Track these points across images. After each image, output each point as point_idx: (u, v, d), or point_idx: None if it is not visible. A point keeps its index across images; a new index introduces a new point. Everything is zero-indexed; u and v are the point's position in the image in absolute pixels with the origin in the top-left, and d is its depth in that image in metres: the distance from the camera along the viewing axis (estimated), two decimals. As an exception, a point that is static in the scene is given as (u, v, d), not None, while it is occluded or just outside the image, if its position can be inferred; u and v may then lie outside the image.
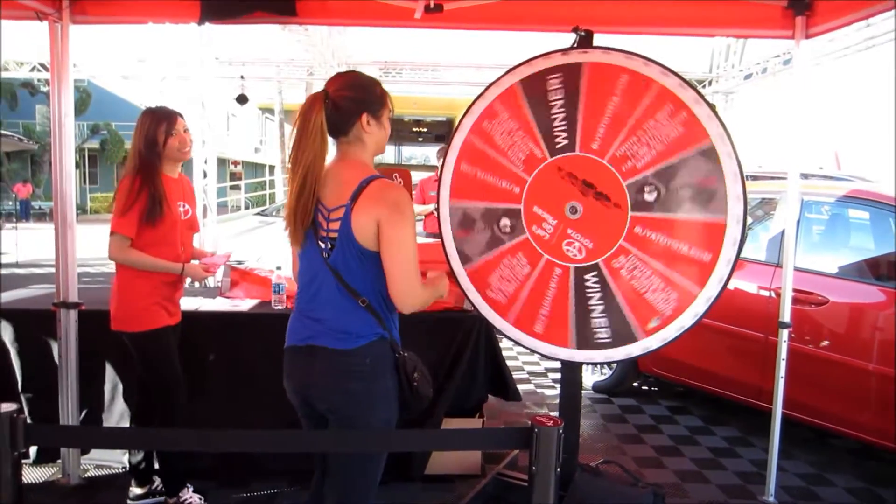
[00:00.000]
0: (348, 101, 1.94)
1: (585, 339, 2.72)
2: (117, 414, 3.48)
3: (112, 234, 2.82)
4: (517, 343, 2.85)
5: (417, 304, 1.92)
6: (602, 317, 2.68)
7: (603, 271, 2.67)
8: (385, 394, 1.94)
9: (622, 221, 2.63)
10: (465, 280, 2.88)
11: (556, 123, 2.71)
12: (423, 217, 6.53)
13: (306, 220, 1.90)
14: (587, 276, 2.69)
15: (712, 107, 2.53)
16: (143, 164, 2.85)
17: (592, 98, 2.65)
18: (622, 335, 2.66)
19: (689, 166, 2.54)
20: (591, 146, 2.67)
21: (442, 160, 2.89)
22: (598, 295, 2.68)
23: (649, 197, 2.60)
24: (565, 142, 2.70)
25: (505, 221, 2.80)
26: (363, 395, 1.90)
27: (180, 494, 3.05)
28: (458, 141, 2.85)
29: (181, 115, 2.98)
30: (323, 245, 1.92)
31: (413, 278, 1.89)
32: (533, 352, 2.85)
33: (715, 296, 2.53)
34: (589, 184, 2.66)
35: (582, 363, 2.80)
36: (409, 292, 1.88)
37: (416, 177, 7.81)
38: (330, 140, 1.97)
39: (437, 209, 2.93)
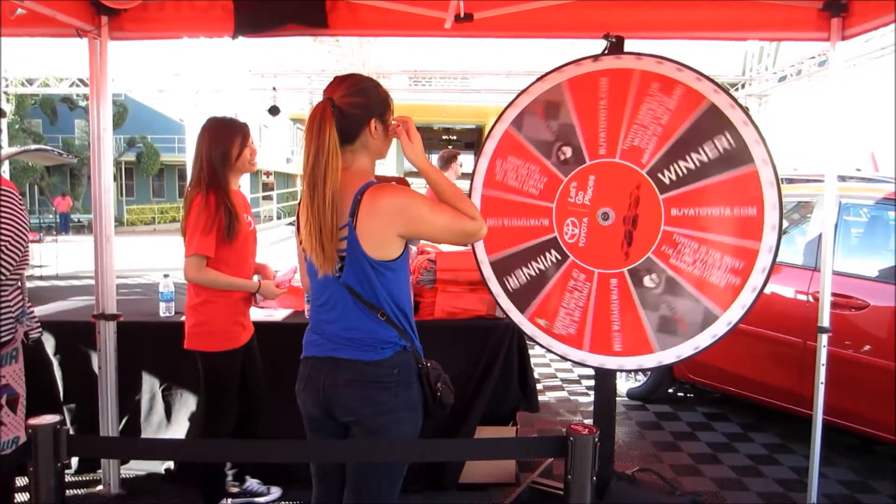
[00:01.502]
0: (355, 108, 1.86)
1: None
2: (155, 424, 3.54)
3: (192, 255, 2.72)
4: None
5: (480, 233, 1.95)
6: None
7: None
8: (411, 404, 1.92)
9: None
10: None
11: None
12: None
13: (336, 240, 1.81)
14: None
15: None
16: (213, 178, 2.78)
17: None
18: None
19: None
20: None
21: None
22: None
23: (648, 282, 2.62)
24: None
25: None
26: (391, 405, 1.87)
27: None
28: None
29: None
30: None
31: (461, 229, 1.90)
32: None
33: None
34: (635, 221, 2.69)
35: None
36: (467, 237, 1.95)
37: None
38: None
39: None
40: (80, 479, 3.52)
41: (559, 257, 2.79)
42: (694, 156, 2.57)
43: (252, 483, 3.31)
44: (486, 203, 2.89)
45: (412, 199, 1.85)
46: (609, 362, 2.76)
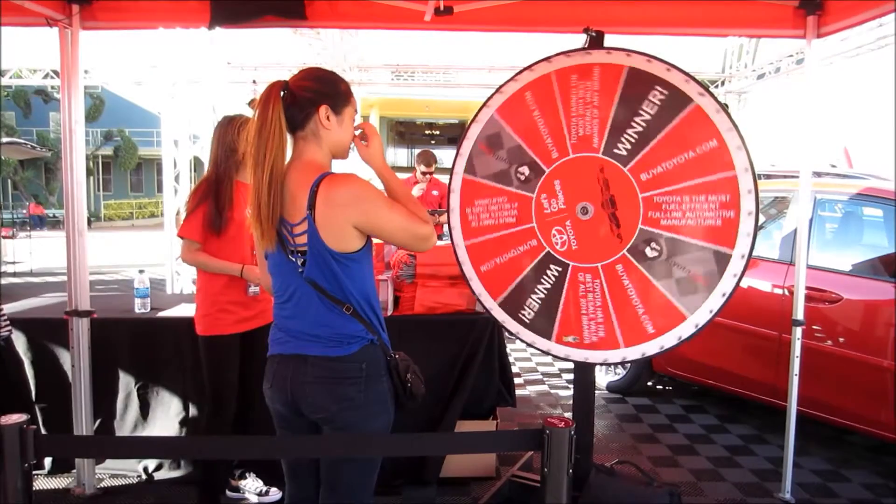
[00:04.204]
0: (306, 91, 1.85)
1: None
2: (131, 423, 3.50)
3: (179, 237, 2.98)
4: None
5: (432, 241, 1.91)
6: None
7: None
8: (381, 398, 1.90)
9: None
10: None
11: (514, 169, 2.77)
12: None
13: (275, 218, 1.81)
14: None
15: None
16: (214, 171, 2.93)
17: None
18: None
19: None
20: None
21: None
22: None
23: (650, 253, 2.60)
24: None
25: (523, 169, 2.78)
26: (361, 400, 1.86)
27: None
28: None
29: None
30: (294, 260, 1.85)
31: (415, 231, 1.86)
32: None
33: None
34: (613, 202, 2.65)
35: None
36: (422, 243, 1.90)
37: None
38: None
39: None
40: (54, 480, 3.46)
41: (560, 269, 2.76)
42: (636, 119, 2.56)
43: (249, 480, 3.30)
44: (474, 252, 2.86)
45: (368, 189, 1.82)
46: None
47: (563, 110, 2.67)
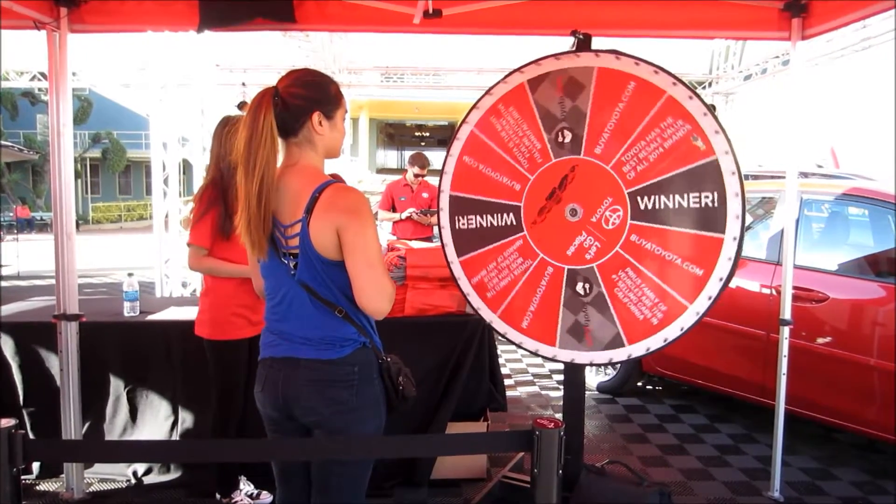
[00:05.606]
0: (299, 99, 1.82)
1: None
2: (120, 426, 3.48)
3: (188, 245, 2.91)
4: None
5: (388, 307, 1.82)
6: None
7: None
8: (373, 401, 1.89)
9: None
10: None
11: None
12: (392, 222, 6.40)
13: (266, 228, 1.79)
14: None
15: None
16: (217, 174, 2.90)
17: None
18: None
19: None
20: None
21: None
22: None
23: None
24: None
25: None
26: (353, 403, 1.85)
27: (232, 496, 3.12)
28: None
29: None
30: (286, 262, 1.83)
31: (382, 282, 1.79)
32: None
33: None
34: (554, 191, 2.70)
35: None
36: (379, 297, 1.79)
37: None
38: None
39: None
40: (43, 485, 3.44)
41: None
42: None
43: (241, 484, 3.26)
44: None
45: (367, 211, 1.81)
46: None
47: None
